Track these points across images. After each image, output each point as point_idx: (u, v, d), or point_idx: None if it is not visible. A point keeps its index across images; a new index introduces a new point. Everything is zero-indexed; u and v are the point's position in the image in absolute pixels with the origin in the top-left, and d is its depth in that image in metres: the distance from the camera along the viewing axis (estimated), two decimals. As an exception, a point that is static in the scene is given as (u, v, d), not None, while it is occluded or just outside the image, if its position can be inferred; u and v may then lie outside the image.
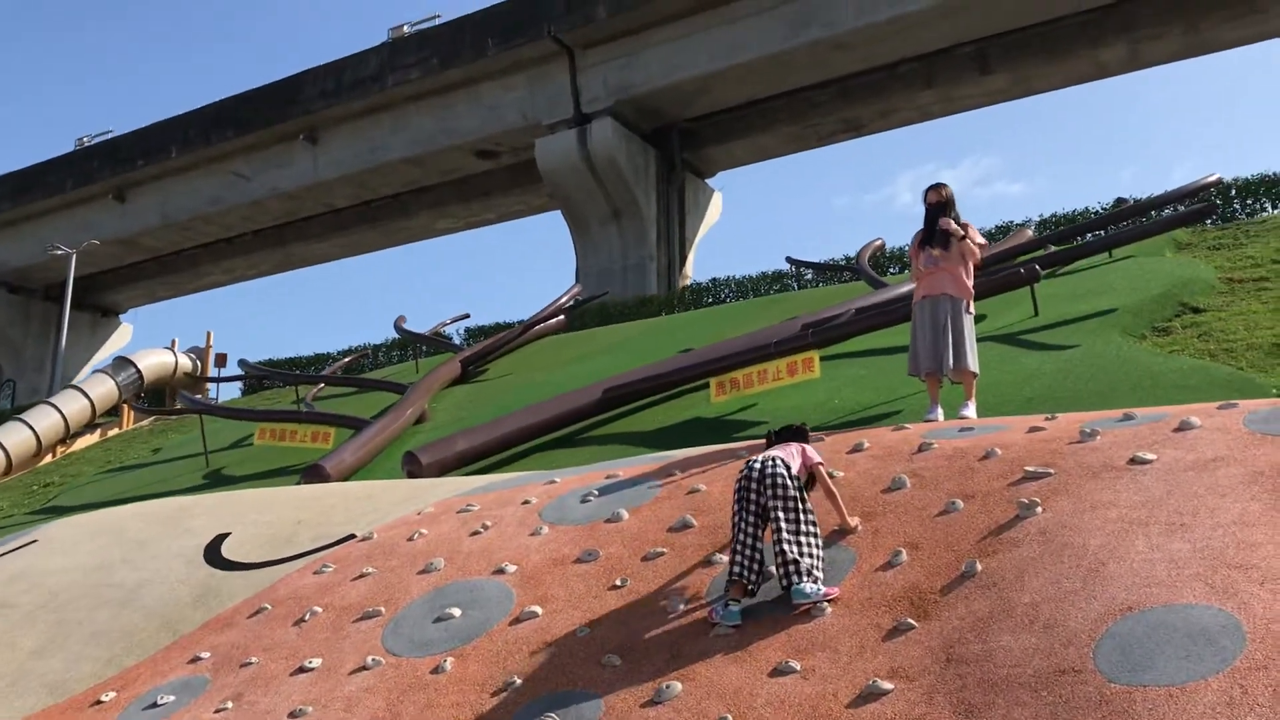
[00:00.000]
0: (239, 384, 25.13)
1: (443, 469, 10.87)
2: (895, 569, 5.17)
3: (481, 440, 11.42)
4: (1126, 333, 10.91)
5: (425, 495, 8.37)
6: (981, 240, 8.16)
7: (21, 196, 44.65)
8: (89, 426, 25.22)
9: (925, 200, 8.19)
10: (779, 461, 5.48)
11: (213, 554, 7.89)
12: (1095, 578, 4.40)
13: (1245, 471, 4.90)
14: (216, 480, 15.27)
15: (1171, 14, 29.35)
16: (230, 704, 5.70)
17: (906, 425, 7.19)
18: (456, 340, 25.63)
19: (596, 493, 7.14)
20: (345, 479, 12.16)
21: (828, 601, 5.05)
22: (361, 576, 6.81)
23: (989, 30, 30.79)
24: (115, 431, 24.87)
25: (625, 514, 6.64)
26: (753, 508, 5.41)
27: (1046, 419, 6.59)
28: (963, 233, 7.91)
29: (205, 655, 6.42)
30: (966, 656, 4.28)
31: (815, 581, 5.12)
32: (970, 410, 7.79)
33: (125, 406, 24.87)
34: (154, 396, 28.59)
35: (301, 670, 5.85)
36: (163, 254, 46.26)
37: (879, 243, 19.30)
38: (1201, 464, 5.11)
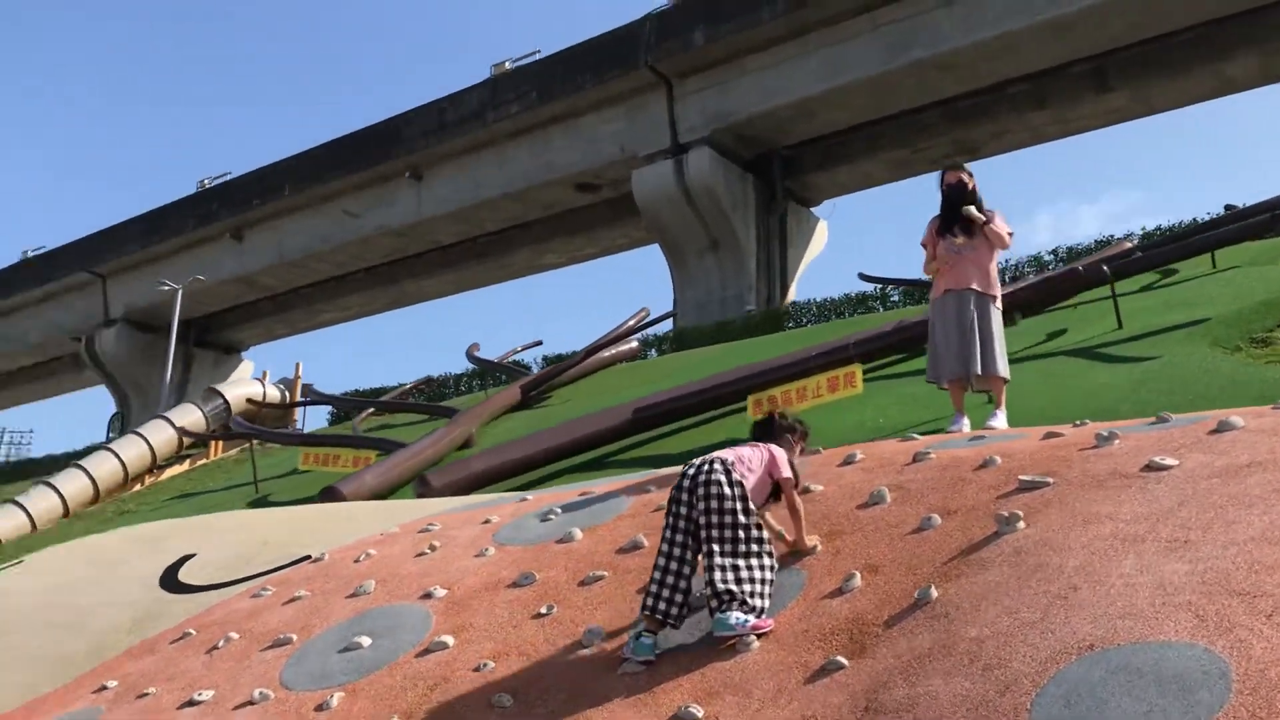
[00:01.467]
0: (327, 413, 25.12)
1: (455, 491, 10.21)
2: (844, 596, 4.25)
3: (499, 461, 10.73)
4: (1217, 344, 9.61)
5: (401, 515, 7.70)
6: (1009, 229, 7.09)
7: (148, 239, 46.36)
8: (178, 457, 25.56)
9: (943, 182, 7.18)
10: (718, 467, 4.55)
11: (169, 577, 7.35)
12: (1060, 607, 3.42)
13: (1255, 486, 3.85)
14: (259, 504, 14.95)
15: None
16: (104, 740, 5.07)
17: (915, 435, 6.20)
18: (535, 369, 25.15)
19: (559, 511, 6.35)
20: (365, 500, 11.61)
21: (756, 635, 4.15)
22: (292, 600, 6.15)
23: (1101, 47, 29.19)
24: (203, 461, 25.11)
25: (579, 534, 5.84)
26: (682, 524, 4.50)
27: (1074, 425, 5.56)
28: (986, 219, 6.89)
29: (112, 684, 5.83)
30: (887, 704, 3.35)
31: (747, 611, 4.21)
32: (999, 420, 6.73)
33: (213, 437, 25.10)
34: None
35: (190, 704, 5.19)
36: (279, 292, 47.36)
37: None
38: (1231, 470, 4.06)
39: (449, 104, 38.40)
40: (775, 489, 4.79)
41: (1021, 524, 4.17)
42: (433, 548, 6.31)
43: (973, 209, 6.89)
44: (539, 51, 37.30)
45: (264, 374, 29.49)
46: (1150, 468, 4.29)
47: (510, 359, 23.70)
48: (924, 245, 7.26)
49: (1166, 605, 3.20)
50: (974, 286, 6.86)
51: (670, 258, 35.64)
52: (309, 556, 6.97)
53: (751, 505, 4.50)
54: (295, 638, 5.59)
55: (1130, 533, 3.78)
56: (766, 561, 4.42)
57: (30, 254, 51.91)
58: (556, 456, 11.08)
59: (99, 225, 50.20)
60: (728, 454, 4.70)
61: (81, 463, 24.18)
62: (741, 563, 4.34)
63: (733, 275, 34.37)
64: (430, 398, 24.65)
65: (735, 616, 4.17)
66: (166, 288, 37.10)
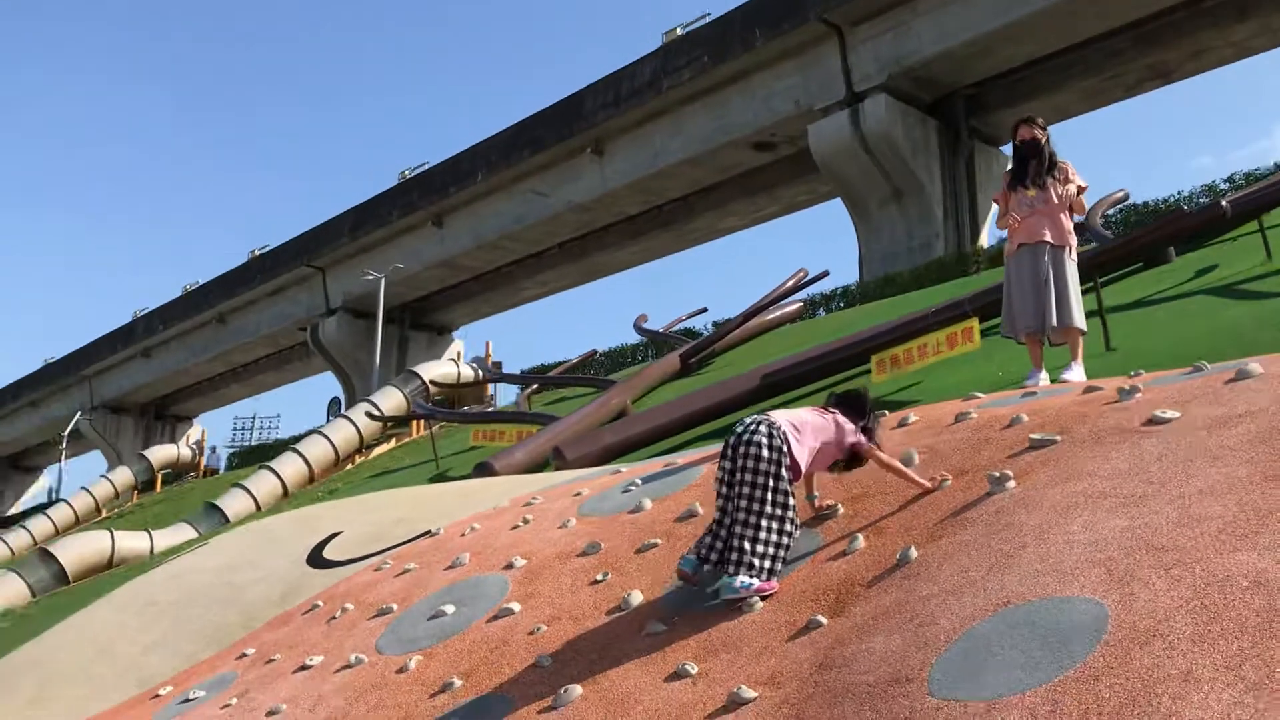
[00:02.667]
0: (517, 388, 26.15)
1: (589, 462, 10.70)
2: (845, 558, 4.48)
3: (628, 434, 11.15)
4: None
5: (515, 490, 8.25)
6: (1082, 181, 6.92)
7: (357, 230, 49.18)
8: (385, 436, 27.35)
9: (1015, 135, 7.06)
10: (762, 429, 4.71)
11: (315, 554, 8.16)
12: (1002, 566, 3.56)
13: (1264, 428, 3.81)
14: (438, 479, 15.94)
15: None
16: (235, 700, 5.83)
17: (979, 394, 6.22)
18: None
19: (639, 482, 6.73)
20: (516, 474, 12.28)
21: (760, 597, 4.41)
22: (403, 573, 6.79)
23: (1309, -59, 26.83)
24: (406, 440, 26.76)
25: (649, 504, 6.21)
26: (726, 478, 4.76)
27: (1129, 377, 5.49)
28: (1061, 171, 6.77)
29: (250, 652, 6.63)
30: (836, 660, 3.60)
31: (753, 574, 4.47)
32: (1075, 373, 6.65)
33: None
34: (445, 404, 30.48)
35: (302, 668, 5.89)
36: (481, 272, 49.36)
37: (1119, 194, 17.08)
38: (1220, 422, 4.04)
39: (624, 76, 38.96)
40: (847, 459, 4.93)
41: (1012, 484, 4.27)
42: (525, 521, 6.81)
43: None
44: (708, 15, 37.33)
45: (458, 354, 31.07)
46: (1152, 421, 4.30)
47: (676, 328, 24.12)
48: (996, 201, 7.18)
49: (1087, 562, 3.30)
50: (1047, 239, 6.77)
51: (853, 210, 35.16)
52: (429, 532, 7.60)
53: (786, 471, 4.66)
54: (396, 607, 6.21)
55: (1099, 489, 3.84)
56: (787, 527, 4.63)
57: (257, 252, 56.01)
58: (686, 425, 11.42)
59: (314, 221, 53.47)
60: (781, 417, 4.83)
61: (297, 447, 26.30)
62: (763, 523, 4.56)
63: (918, 223, 33.61)
64: (609, 370, 25.34)
65: (740, 580, 4.44)
66: (371, 278, 39.42)
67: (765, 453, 4.63)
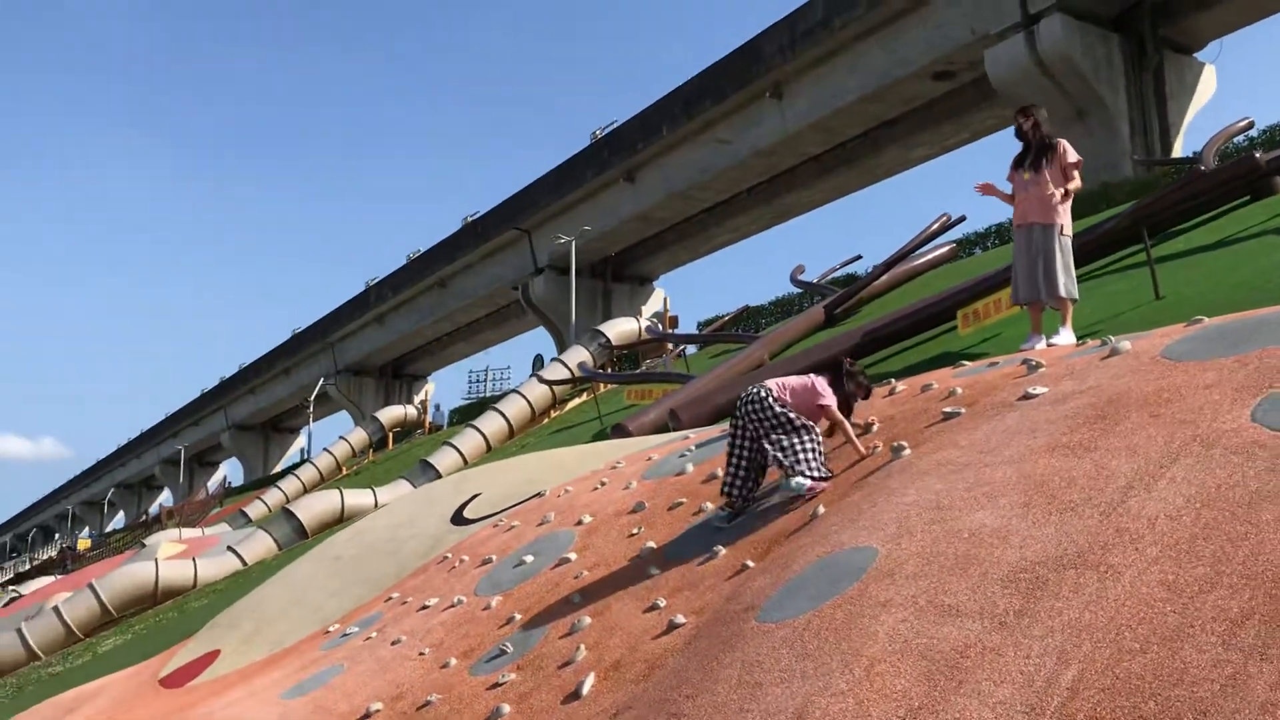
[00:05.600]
0: (694, 346, 27.51)
1: (699, 424, 11.91)
2: (784, 516, 5.64)
3: (736, 394, 12.18)
4: None
5: (623, 453, 9.63)
6: (1075, 158, 7.61)
7: (556, 193, 51.61)
8: (576, 391, 29.29)
9: (1016, 123, 7.82)
10: (760, 392, 6.00)
11: (458, 513, 9.82)
12: (852, 524, 4.67)
13: (1082, 405, 4.73)
14: (599, 437, 17.55)
15: None
16: (375, 634, 7.51)
17: (966, 362, 7.13)
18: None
19: (694, 448, 7.97)
20: (648, 434, 13.63)
21: (812, 495, 5.60)
22: (510, 529, 8.31)
23: None
24: (585, 397, 28.61)
25: (690, 468, 7.47)
26: (738, 435, 6.05)
27: (1095, 343, 6.32)
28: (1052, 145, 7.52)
29: (395, 596, 8.33)
30: (735, 595, 4.83)
31: (807, 475, 5.67)
32: (1062, 337, 7.43)
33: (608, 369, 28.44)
34: (630, 360, 32.19)
35: (423, 607, 7.50)
36: (674, 223, 50.96)
37: (1243, 123, 16.41)
38: (1064, 398, 4.96)
39: (797, 18, 39.25)
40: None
41: (906, 452, 5.32)
42: (602, 484, 8.20)
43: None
44: (878, -52, 37.02)
45: (639, 311, 32.65)
46: (1024, 397, 5.23)
47: (829, 278, 24.72)
48: (1010, 180, 7.98)
49: (894, 518, 4.39)
50: (1033, 220, 7.58)
51: (1034, 135, 34.45)
52: (539, 494, 9.11)
53: (791, 409, 5.90)
54: (495, 558, 7.74)
55: (950, 459, 4.86)
56: (816, 438, 5.85)
57: (469, 219, 59.44)
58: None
59: (519, 186, 56.28)
60: (772, 383, 6.14)
61: (497, 406, 28.71)
62: (796, 440, 5.82)
63: (1104, 143, 32.67)
64: (772, 323, 26.19)
65: (797, 481, 5.68)
66: (562, 241, 41.56)
67: (770, 405, 5.93)
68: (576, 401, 28.77)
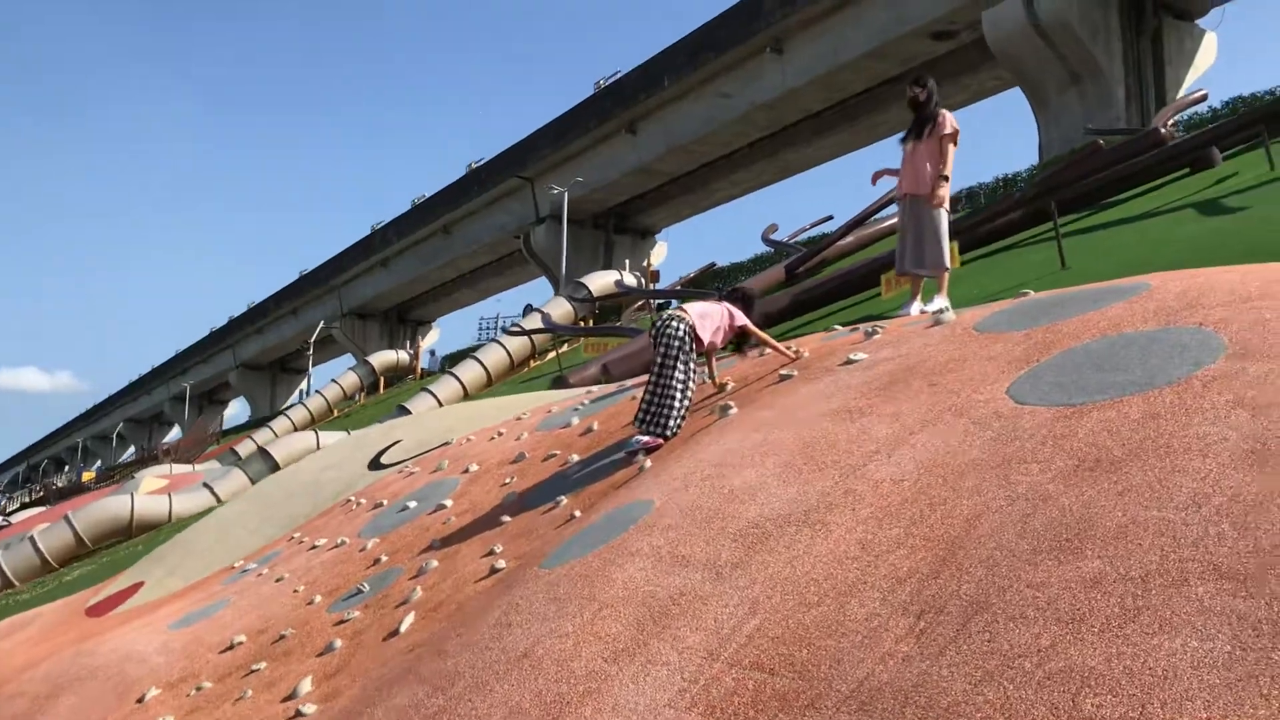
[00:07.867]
0: (676, 302, 27.57)
1: (630, 377, 12.12)
2: (621, 470, 5.85)
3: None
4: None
5: (526, 407, 9.86)
6: (950, 129, 7.71)
7: (558, 142, 51.46)
8: (558, 342, 29.49)
9: (910, 93, 7.93)
10: (675, 323, 6.19)
11: (375, 459, 10.08)
12: (657, 475, 4.93)
13: (879, 374, 4.92)
14: (558, 384, 17.80)
15: None
16: (266, 570, 7.80)
17: (859, 325, 7.30)
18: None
19: (586, 402, 8.19)
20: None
21: (645, 451, 5.84)
22: (409, 475, 8.57)
23: None
24: (566, 348, 28.85)
25: (575, 421, 7.69)
26: (655, 363, 6.26)
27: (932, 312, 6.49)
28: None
29: (296, 535, 8.61)
30: (549, 542, 5.06)
31: (647, 431, 5.94)
32: (935, 305, 7.58)
33: (582, 324, 28.66)
34: (616, 313, 32.37)
35: (312, 547, 7.78)
36: (676, 176, 50.80)
37: (1198, 94, 16.28)
38: (870, 365, 5.17)
39: (800, -28, 38.90)
40: (738, 337, 6.58)
41: (733, 411, 5.52)
42: (499, 434, 8.43)
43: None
44: (882, -97, 36.62)
45: (625, 263, 32.78)
46: (846, 363, 5.43)
47: (798, 238, 24.76)
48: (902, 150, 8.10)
49: (681, 475, 4.62)
50: (908, 190, 7.75)
51: (1031, 98, 34.27)
52: (446, 443, 9.36)
53: (692, 354, 6.17)
54: (386, 503, 8.01)
55: (761, 418, 5.08)
56: (686, 398, 6.07)
57: (474, 165, 59.42)
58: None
59: (523, 134, 56.09)
60: (691, 310, 6.37)
61: (476, 355, 29.02)
62: (665, 394, 6.04)
63: (1097, 108, 32.45)
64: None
65: (635, 439, 5.91)
66: (555, 191, 41.56)
67: (675, 340, 6.11)
68: (555, 353, 29.00)
